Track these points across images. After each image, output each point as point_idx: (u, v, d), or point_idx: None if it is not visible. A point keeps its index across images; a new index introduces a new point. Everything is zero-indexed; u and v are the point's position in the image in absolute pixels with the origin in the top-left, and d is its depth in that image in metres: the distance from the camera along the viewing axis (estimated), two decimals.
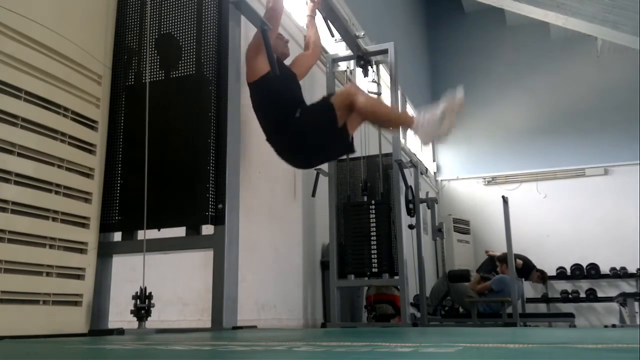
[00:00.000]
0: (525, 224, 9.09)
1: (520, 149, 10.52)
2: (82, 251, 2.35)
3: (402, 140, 7.64)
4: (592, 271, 9.44)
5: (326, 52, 5.24)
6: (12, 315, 2.01)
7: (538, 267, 7.82)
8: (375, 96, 2.68)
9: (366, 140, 5.21)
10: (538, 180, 10.34)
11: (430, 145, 3.08)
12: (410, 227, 4.94)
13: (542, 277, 7.78)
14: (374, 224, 4.63)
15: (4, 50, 2.04)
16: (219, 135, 2.52)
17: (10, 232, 2.01)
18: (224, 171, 2.48)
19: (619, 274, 9.30)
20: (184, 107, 2.59)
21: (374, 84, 5.06)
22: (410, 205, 4.80)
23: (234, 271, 2.45)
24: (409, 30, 10.32)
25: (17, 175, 2.06)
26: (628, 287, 9.17)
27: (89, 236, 2.40)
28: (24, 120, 2.10)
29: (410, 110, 2.67)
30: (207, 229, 2.50)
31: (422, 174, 6.21)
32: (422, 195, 5.76)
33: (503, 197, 6.14)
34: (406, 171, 4.80)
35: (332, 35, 4.34)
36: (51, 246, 2.19)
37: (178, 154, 2.56)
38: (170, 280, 3.32)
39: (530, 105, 10.66)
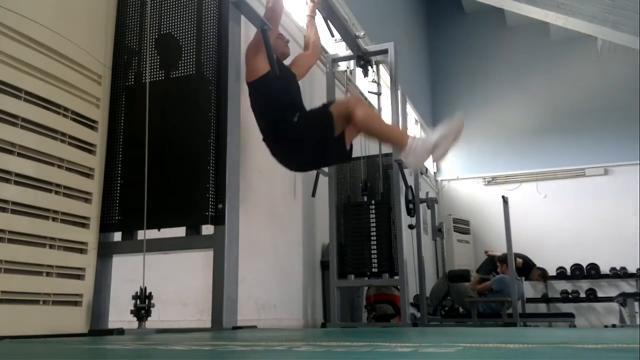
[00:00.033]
0: (525, 224, 9.09)
1: (520, 149, 10.52)
2: (82, 251, 2.35)
3: None
4: (592, 271, 9.45)
5: (326, 52, 5.24)
6: (12, 315, 2.01)
7: (538, 266, 7.82)
8: (376, 110, 2.64)
9: (366, 140, 5.22)
10: (538, 180, 10.34)
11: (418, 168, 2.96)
12: (410, 227, 4.94)
13: (543, 275, 7.78)
14: (374, 224, 4.63)
15: (4, 50, 2.04)
16: (219, 135, 2.52)
17: (10, 232, 2.01)
18: (224, 171, 2.48)
19: (619, 274, 9.30)
20: (184, 107, 2.59)
21: (374, 84, 5.06)
22: (410, 205, 4.80)
23: (234, 271, 2.45)
24: (409, 30, 10.32)
25: (17, 175, 2.06)
26: (628, 287, 9.17)
27: (89, 236, 2.40)
28: (24, 120, 2.10)
29: (410, 130, 2.62)
30: (207, 229, 2.50)
31: (422, 174, 6.22)
32: (422, 195, 5.76)
33: (503, 197, 6.14)
34: (406, 171, 4.80)
35: (332, 35, 4.33)
36: (51, 246, 2.19)
37: (178, 154, 2.56)
38: (171, 280, 3.32)
39: (530, 105, 10.66)
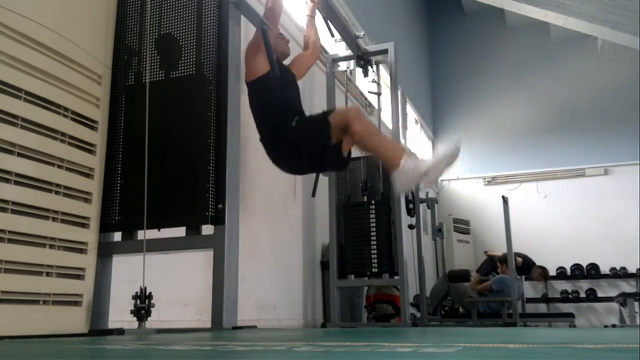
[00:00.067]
0: (525, 224, 9.09)
1: (520, 149, 10.51)
2: (82, 251, 2.35)
3: (402, 140, 7.64)
4: (592, 271, 9.44)
5: (326, 52, 5.24)
6: (12, 315, 2.01)
7: (538, 264, 7.81)
8: (374, 125, 2.59)
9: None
10: (538, 180, 10.34)
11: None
12: (410, 227, 4.94)
13: (544, 274, 7.77)
14: (374, 224, 4.63)
15: (4, 50, 2.04)
16: (219, 135, 2.52)
17: (10, 232, 2.01)
18: (224, 171, 2.48)
19: (619, 274, 9.30)
20: (184, 107, 2.59)
21: (374, 84, 5.06)
22: (410, 205, 4.80)
23: (234, 271, 2.45)
24: (409, 30, 10.32)
25: (17, 175, 2.06)
26: (628, 287, 9.16)
27: (89, 236, 2.40)
28: (24, 120, 2.10)
29: (407, 150, 2.53)
30: (207, 229, 2.50)
31: None
32: (422, 195, 5.76)
33: (503, 197, 6.14)
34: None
35: (332, 35, 4.33)
36: (51, 246, 2.19)
37: (178, 153, 2.56)
38: (171, 280, 3.32)
39: (530, 105, 10.65)
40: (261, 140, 2.74)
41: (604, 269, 9.41)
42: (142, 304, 2.26)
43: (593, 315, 9.41)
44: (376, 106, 5.54)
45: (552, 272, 9.10)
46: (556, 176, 10.24)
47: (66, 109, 2.30)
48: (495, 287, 6.36)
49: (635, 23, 6.70)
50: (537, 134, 10.39)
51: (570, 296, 9.26)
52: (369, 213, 4.65)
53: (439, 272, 8.28)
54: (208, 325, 2.44)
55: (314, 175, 4.56)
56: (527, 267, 7.53)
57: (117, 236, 2.65)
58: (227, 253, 2.40)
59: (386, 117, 5.87)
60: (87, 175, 2.42)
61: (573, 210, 9.84)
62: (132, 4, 2.77)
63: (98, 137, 2.49)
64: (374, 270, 4.60)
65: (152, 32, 2.69)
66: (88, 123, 2.44)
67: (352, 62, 5.00)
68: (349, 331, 3.02)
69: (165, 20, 2.70)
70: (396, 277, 4.56)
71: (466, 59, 11.26)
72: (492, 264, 7.25)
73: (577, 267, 9.53)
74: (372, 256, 4.62)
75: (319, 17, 3.82)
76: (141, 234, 2.49)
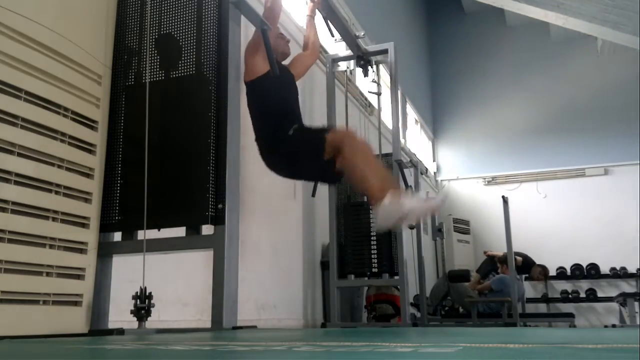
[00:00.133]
0: (525, 224, 9.09)
1: (520, 149, 10.51)
2: (82, 251, 2.35)
3: (402, 140, 7.64)
4: (592, 271, 9.44)
5: (326, 52, 5.24)
6: (12, 315, 2.01)
7: (539, 263, 7.80)
8: (371, 154, 2.51)
9: (366, 140, 5.21)
10: (538, 180, 10.34)
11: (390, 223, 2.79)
12: (410, 227, 4.94)
13: (544, 272, 7.76)
14: (374, 224, 4.62)
15: (4, 50, 2.04)
16: (219, 135, 2.52)
17: (10, 232, 2.01)
18: (224, 171, 2.48)
19: (619, 274, 9.30)
20: (184, 107, 2.59)
21: (374, 84, 5.06)
22: None
23: (234, 271, 2.45)
24: (409, 31, 10.32)
25: (17, 175, 2.06)
26: (628, 287, 9.16)
27: (89, 236, 2.40)
28: (24, 120, 2.10)
29: (395, 189, 2.46)
30: (207, 229, 2.50)
31: (422, 174, 6.21)
32: (422, 195, 5.76)
33: (503, 197, 6.14)
34: (406, 171, 4.80)
35: (332, 35, 4.33)
36: (51, 246, 2.19)
37: (178, 153, 2.56)
38: (171, 280, 3.32)
39: (530, 105, 10.65)
40: (256, 140, 2.74)
41: (604, 269, 9.41)
42: (142, 304, 2.26)
43: (593, 315, 9.41)
44: (376, 106, 5.54)
45: (552, 272, 9.09)
46: (556, 176, 10.24)
47: (66, 109, 2.30)
48: (495, 287, 6.36)
49: (635, 23, 6.70)
50: (537, 134, 10.39)
51: (570, 296, 9.26)
52: (369, 213, 4.65)
53: (439, 272, 8.28)
54: (208, 325, 2.44)
55: None
56: (527, 267, 7.53)
57: (117, 236, 2.65)
58: (227, 253, 2.40)
59: (386, 117, 5.87)
60: (87, 175, 2.42)
61: (573, 210, 9.84)
62: (132, 4, 2.77)
63: (98, 137, 2.49)
64: (374, 270, 4.60)
65: (152, 32, 2.69)
66: (88, 123, 2.44)
67: (352, 62, 5.00)
68: (349, 331, 3.02)
69: (165, 20, 2.70)
70: (396, 277, 4.56)
71: (466, 59, 11.26)
72: (492, 264, 7.25)
73: (577, 267, 9.53)
74: (372, 256, 4.62)
75: (319, 17, 3.82)
76: (141, 234, 2.50)
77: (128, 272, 2.60)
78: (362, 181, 2.41)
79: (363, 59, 4.87)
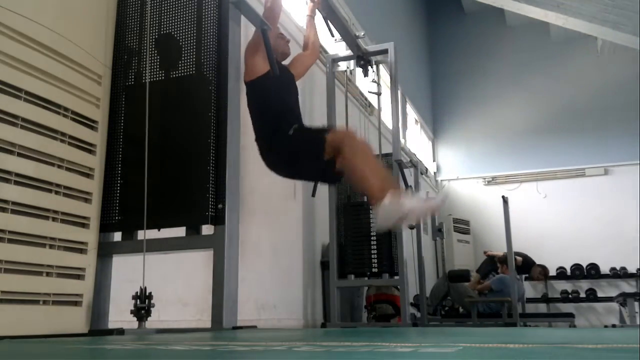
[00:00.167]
0: (525, 224, 9.08)
1: (520, 149, 10.51)
2: (82, 251, 2.36)
3: (402, 140, 7.64)
4: (592, 271, 9.44)
5: (326, 52, 5.24)
6: (12, 315, 2.01)
7: (539, 263, 7.80)
8: (371, 155, 2.50)
9: (366, 140, 5.21)
10: (538, 180, 10.34)
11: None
12: (410, 227, 4.94)
13: (544, 272, 7.76)
14: (374, 224, 4.62)
15: (4, 50, 2.04)
16: (219, 135, 2.52)
17: (10, 232, 2.01)
18: (224, 171, 2.48)
19: (619, 274, 9.30)
20: (184, 107, 2.59)
21: (374, 84, 5.06)
22: None
23: (234, 271, 2.45)
24: (409, 31, 10.32)
25: (17, 175, 2.06)
26: (628, 287, 9.16)
27: (89, 236, 2.40)
28: (24, 120, 2.10)
29: (395, 190, 2.44)
30: (207, 229, 2.50)
31: (422, 174, 6.21)
32: (422, 195, 5.76)
33: (503, 197, 6.14)
34: (406, 171, 4.80)
35: (332, 35, 4.33)
36: (51, 246, 2.19)
37: (178, 153, 2.56)
38: (171, 280, 3.32)
39: (530, 105, 10.65)
40: (256, 140, 2.75)
41: (604, 269, 9.41)
42: (142, 304, 2.26)
43: (593, 315, 9.41)
44: (376, 106, 5.55)
45: (552, 272, 9.09)
46: (556, 176, 10.24)
47: (66, 109, 2.30)
48: (494, 287, 6.36)
49: (635, 23, 6.70)
50: (537, 134, 10.39)
51: (570, 296, 9.26)
52: (369, 213, 4.65)
53: (439, 272, 8.28)
54: (208, 325, 2.44)
55: None
56: (527, 266, 7.53)
57: (117, 236, 2.65)
58: (227, 253, 2.40)
59: (386, 117, 5.87)
60: (87, 175, 2.42)
61: (573, 210, 9.84)
62: (132, 4, 2.77)
63: (98, 137, 2.49)
64: (374, 270, 4.60)
65: (152, 32, 2.69)
66: (88, 123, 2.44)
67: (352, 62, 5.00)
68: (349, 331, 3.02)
69: (165, 20, 2.70)
70: (396, 277, 4.56)
71: (466, 59, 11.26)
72: (492, 264, 7.25)
73: (577, 267, 9.53)
74: (372, 256, 4.61)
75: (319, 17, 3.82)
76: (141, 234, 2.50)
77: (128, 272, 2.60)
78: (362, 181, 2.41)
79: (363, 59, 4.87)
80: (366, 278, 4.67)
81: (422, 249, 5.57)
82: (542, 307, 9.40)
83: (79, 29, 2.41)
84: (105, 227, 2.54)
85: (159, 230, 2.51)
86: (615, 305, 8.71)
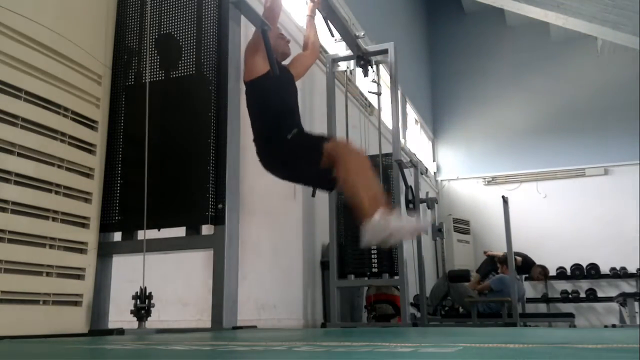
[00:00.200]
0: (525, 224, 9.08)
1: (520, 149, 10.52)
2: (82, 251, 2.36)
3: (402, 140, 7.64)
4: (592, 271, 9.44)
5: (326, 52, 5.24)
6: (12, 315, 2.01)
7: (538, 264, 7.80)
8: (367, 170, 2.53)
9: (366, 140, 5.22)
10: (538, 180, 10.34)
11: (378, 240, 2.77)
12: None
13: (544, 272, 7.77)
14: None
15: (4, 50, 2.04)
16: (219, 135, 2.52)
17: (10, 232, 2.01)
18: (224, 171, 2.48)
19: (619, 274, 9.30)
20: (184, 107, 2.59)
21: (374, 84, 5.06)
22: (411, 205, 4.80)
23: (234, 271, 2.45)
24: (409, 31, 10.32)
25: (17, 175, 2.06)
26: (628, 287, 9.16)
27: (89, 236, 2.40)
28: (24, 120, 2.10)
29: (384, 210, 2.47)
30: (207, 229, 2.50)
31: (422, 174, 6.21)
32: (422, 195, 5.76)
33: (503, 197, 6.14)
34: (406, 171, 4.80)
35: (332, 35, 4.33)
36: (51, 246, 2.19)
37: (178, 153, 2.56)
38: (171, 280, 3.32)
39: (530, 105, 10.65)
40: (254, 140, 2.75)
41: (604, 269, 9.41)
42: (142, 304, 2.26)
43: (593, 315, 9.41)
44: (376, 106, 5.55)
45: (552, 272, 9.10)
46: (556, 176, 10.24)
47: (66, 109, 2.30)
48: (494, 287, 6.36)
49: (635, 23, 6.70)
50: (537, 134, 10.39)
51: (570, 296, 9.25)
52: None
53: (439, 272, 8.28)
54: (208, 325, 2.44)
55: None
56: (527, 267, 7.53)
57: (117, 236, 2.65)
58: (227, 253, 2.40)
59: (386, 117, 5.87)
60: (87, 175, 2.42)
61: (573, 210, 9.84)
62: (132, 4, 2.77)
63: (98, 137, 2.49)
64: (374, 270, 4.59)
65: (152, 32, 2.69)
66: (88, 123, 2.44)
67: (352, 62, 5.00)
68: (349, 331, 3.02)
69: (165, 20, 2.70)
70: (396, 277, 4.56)
71: (466, 59, 11.26)
72: (492, 264, 7.25)
73: (577, 267, 9.53)
74: (372, 256, 4.61)
75: (319, 17, 3.82)
76: (141, 234, 2.49)
77: (128, 272, 2.60)
78: (354, 195, 2.44)
79: (363, 59, 4.87)
80: (366, 278, 4.67)
81: (422, 249, 5.57)
82: (542, 307, 9.40)
83: (79, 29, 2.41)
84: (105, 227, 2.54)
85: (159, 230, 2.51)
86: (615, 305, 8.71)
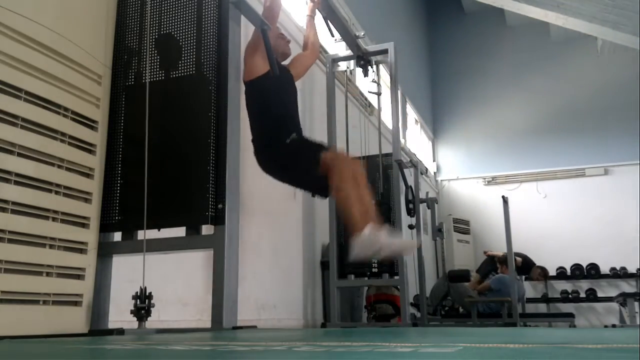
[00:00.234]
0: (525, 224, 9.09)
1: (520, 149, 10.52)
2: (82, 251, 2.35)
3: (402, 140, 7.64)
4: (592, 271, 9.44)
5: (326, 52, 5.24)
6: (12, 315, 2.01)
7: (538, 264, 7.81)
8: (362, 183, 2.57)
9: (366, 140, 5.22)
10: (538, 180, 10.34)
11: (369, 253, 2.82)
12: (410, 227, 4.94)
13: (543, 274, 7.77)
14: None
15: (4, 50, 2.04)
16: (219, 135, 2.52)
17: (10, 232, 2.01)
18: (224, 171, 2.48)
19: (619, 274, 9.30)
20: (184, 107, 2.59)
21: (374, 84, 5.06)
22: (410, 205, 4.80)
23: (234, 271, 2.45)
24: (409, 30, 10.32)
25: (17, 175, 2.06)
26: (628, 287, 9.16)
27: (89, 236, 2.40)
28: (24, 120, 2.10)
29: (373, 224, 2.51)
30: (207, 229, 2.49)
31: (422, 174, 6.21)
32: (422, 195, 5.76)
33: (503, 197, 6.14)
34: (406, 171, 4.80)
35: (332, 35, 4.33)
36: (51, 246, 2.19)
37: (178, 153, 2.56)
38: (171, 280, 3.31)
39: (530, 105, 10.66)
40: (253, 141, 2.75)
41: (604, 269, 9.41)
42: (142, 304, 2.26)
43: (593, 315, 9.41)
44: (376, 106, 5.55)
45: (552, 272, 9.10)
46: (556, 176, 10.24)
47: (66, 109, 2.30)
48: (493, 287, 6.36)
49: (635, 23, 6.70)
50: (537, 134, 10.40)
51: (570, 296, 9.26)
52: None
53: (439, 272, 8.28)
54: (208, 325, 2.44)
55: None
56: (527, 267, 7.53)
57: (117, 236, 2.65)
58: (227, 253, 2.40)
59: (386, 117, 5.87)
60: (87, 175, 2.42)
61: (573, 210, 9.84)
62: (132, 4, 2.77)
63: (98, 137, 2.49)
64: (374, 270, 4.59)
65: (152, 32, 2.69)
66: (88, 123, 2.44)
67: (352, 62, 5.00)
68: (349, 331, 3.02)
69: (165, 20, 2.70)
70: (396, 277, 4.56)
71: (466, 59, 11.26)
72: (492, 264, 7.25)
73: (577, 267, 9.53)
74: None
75: (319, 17, 3.82)
76: (141, 234, 2.49)
77: (128, 272, 2.60)
78: (345, 208, 2.46)
79: (363, 59, 4.87)
80: (366, 278, 4.67)
81: (422, 249, 5.56)
82: (542, 307, 9.40)
83: (79, 29, 2.41)
84: (105, 227, 2.54)
85: (159, 230, 2.51)
86: (615, 305, 8.71)
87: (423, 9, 11.57)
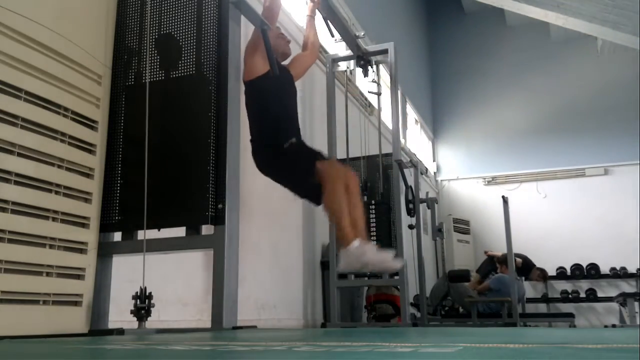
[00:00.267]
0: (525, 224, 9.09)
1: (520, 149, 10.52)
2: (82, 251, 2.35)
3: (402, 140, 7.64)
4: (592, 271, 9.44)
5: (326, 52, 5.24)
6: (12, 315, 2.01)
7: (538, 266, 7.82)
8: (357, 194, 2.61)
9: (366, 140, 5.22)
10: (538, 180, 10.34)
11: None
12: (410, 227, 4.94)
13: (543, 275, 7.78)
14: (374, 224, 4.62)
15: (4, 50, 2.04)
16: (219, 135, 2.52)
17: (10, 232, 2.01)
18: (224, 171, 2.48)
19: (619, 274, 9.30)
20: (184, 107, 2.59)
21: (374, 84, 5.06)
22: (410, 205, 4.80)
23: (234, 271, 2.45)
24: (409, 30, 10.32)
25: (17, 175, 2.06)
26: (628, 287, 9.16)
27: (89, 236, 2.40)
28: (24, 120, 2.10)
29: (360, 239, 2.57)
30: (207, 229, 2.50)
31: (422, 174, 6.21)
32: (422, 195, 5.76)
33: (503, 197, 6.14)
34: (406, 171, 4.79)
35: (332, 35, 4.33)
36: (51, 246, 2.19)
37: (178, 153, 2.56)
38: (171, 280, 3.31)
39: (530, 105, 10.66)
40: (251, 141, 2.76)
41: (604, 269, 9.41)
42: (142, 304, 2.26)
43: (593, 315, 9.41)
44: (376, 106, 5.54)
45: (552, 272, 9.10)
46: (556, 176, 10.24)
47: (66, 109, 2.30)
48: (493, 286, 6.36)
49: (635, 23, 6.70)
50: (537, 134, 10.40)
51: (570, 296, 9.26)
52: (369, 213, 4.65)
53: (439, 272, 8.28)
54: (208, 325, 2.44)
55: None
56: (527, 268, 7.53)
57: (117, 236, 2.65)
58: (227, 253, 2.40)
59: (386, 117, 5.87)
60: (87, 175, 2.42)
61: (573, 211, 9.84)
62: (132, 4, 2.77)
63: (98, 137, 2.49)
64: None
65: (152, 32, 2.69)
66: (88, 123, 2.44)
67: (352, 62, 5.00)
68: (349, 331, 3.02)
69: (165, 20, 2.70)
70: (396, 277, 4.56)
71: (466, 59, 11.26)
72: (492, 264, 7.25)
73: (577, 267, 9.53)
74: None
75: (319, 17, 3.82)
76: (141, 234, 2.49)
77: (128, 272, 2.60)
78: (336, 219, 2.50)
79: (363, 59, 4.87)
80: (366, 278, 4.66)
81: (422, 249, 5.57)
82: (542, 307, 9.40)
83: (79, 29, 2.41)
84: (105, 227, 2.54)
85: (159, 230, 2.51)
86: (615, 305, 8.71)
87: (423, 9, 11.57)
